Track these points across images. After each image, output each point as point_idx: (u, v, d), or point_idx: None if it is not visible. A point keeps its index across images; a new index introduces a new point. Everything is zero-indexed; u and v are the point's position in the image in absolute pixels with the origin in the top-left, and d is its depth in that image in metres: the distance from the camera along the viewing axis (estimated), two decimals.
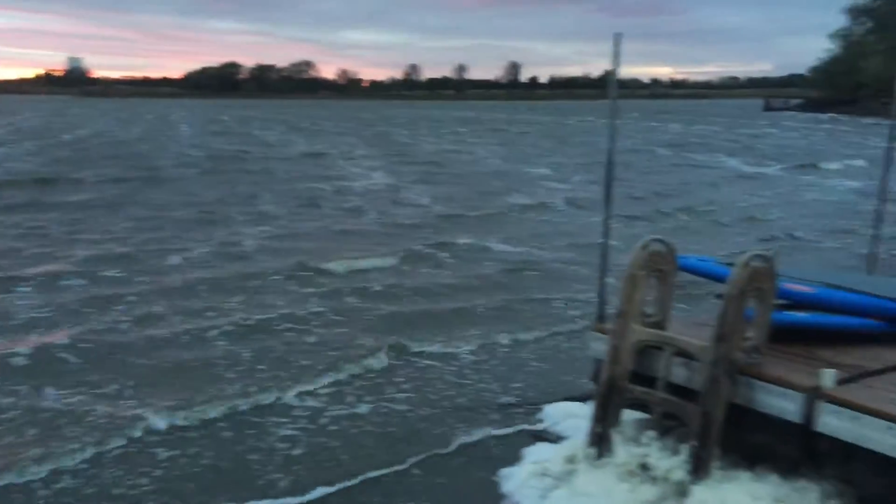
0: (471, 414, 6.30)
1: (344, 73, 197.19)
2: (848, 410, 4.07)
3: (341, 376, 7.07)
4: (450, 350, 7.82)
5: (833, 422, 4.13)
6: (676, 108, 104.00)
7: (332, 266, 11.19)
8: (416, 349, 7.79)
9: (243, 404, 6.40)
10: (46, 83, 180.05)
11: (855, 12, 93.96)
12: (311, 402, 6.52)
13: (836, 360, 4.71)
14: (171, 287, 10.11)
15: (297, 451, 5.64)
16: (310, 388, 6.79)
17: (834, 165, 28.69)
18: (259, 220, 15.51)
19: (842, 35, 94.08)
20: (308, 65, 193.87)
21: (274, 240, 13.42)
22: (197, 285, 10.20)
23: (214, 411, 6.24)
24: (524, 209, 17.29)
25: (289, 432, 5.94)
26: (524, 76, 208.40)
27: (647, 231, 12.48)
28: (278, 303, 9.44)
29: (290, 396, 6.61)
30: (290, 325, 8.51)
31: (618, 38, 5.38)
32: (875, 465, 4.02)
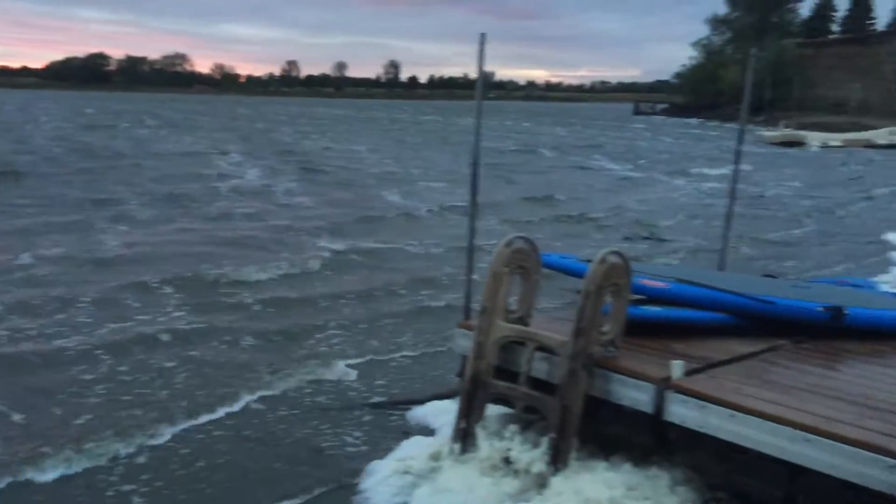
0: (338, 415, 6.22)
1: (220, 67, 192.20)
2: (694, 400, 4.27)
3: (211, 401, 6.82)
4: (322, 355, 7.67)
5: (681, 411, 4.32)
6: (552, 110, 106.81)
7: (203, 275, 10.52)
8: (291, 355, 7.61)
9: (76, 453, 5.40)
10: None
11: (715, 23, 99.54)
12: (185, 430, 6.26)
13: (686, 352, 4.95)
14: (14, 301, 9.04)
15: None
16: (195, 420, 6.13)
17: (703, 169, 30.14)
18: (124, 222, 14.76)
19: (703, 44, 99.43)
20: (182, 58, 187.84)
21: (138, 246, 12.61)
22: (45, 300, 9.17)
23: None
24: (401, 210, 17.28)
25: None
26: (404, 75, 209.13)
27: (527, 231, 12.86)
28: (139, 317, 8.68)
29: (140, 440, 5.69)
30: (146, 347, 7.66)
31: (482, 39, 5.47)
32: (719, 451, 4.24)
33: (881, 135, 52.22)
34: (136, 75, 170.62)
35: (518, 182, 23.34)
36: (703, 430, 4.24)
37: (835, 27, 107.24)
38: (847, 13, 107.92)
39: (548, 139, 46.59)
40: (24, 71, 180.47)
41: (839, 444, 3.75)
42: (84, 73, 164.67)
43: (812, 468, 3.84)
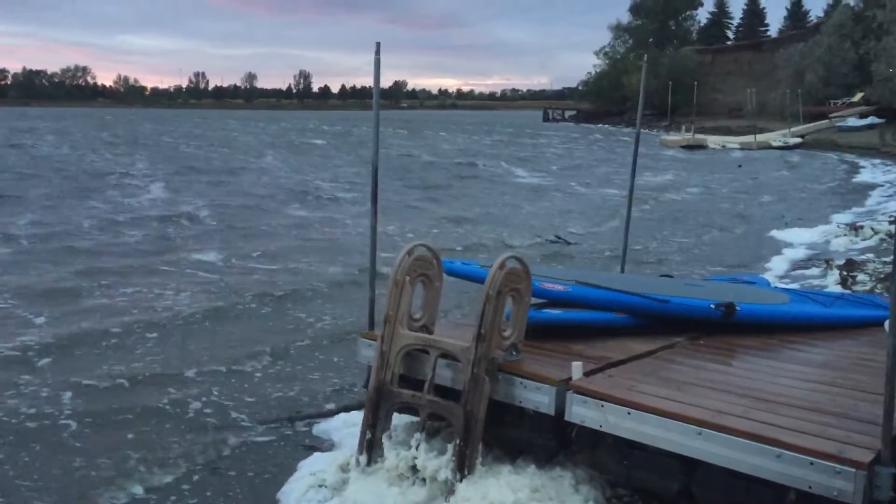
0: (243, 434, 6.08)
1: (123, 79, 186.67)
2: (593, 399, 4.36)
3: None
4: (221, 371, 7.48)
5: (581, 411, 4.40)
6: (466, 118, 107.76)
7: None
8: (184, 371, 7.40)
9: None
10: None
11: (617, 31, 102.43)
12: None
13: (585, 353, 5.05)
14: None
15: None
16: None
17: (610, 174, 30.88)
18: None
19: (606, 52, 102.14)
20: (83, 70, 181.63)
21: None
22: None
23: None
24: (306, 221, 17.10)
25: None
26: (315, 86, 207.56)
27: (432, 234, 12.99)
28: None
29: None
30: None
31: (377, 47, 5.46)
32: (618, 449, 4.33)
33: (776, 137, 54.68)
34: (35, 89, 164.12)
35: (454, 196, 23.43)
36: (602, 429, 4.33)
37: (730, 34, 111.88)
38: (741, 21, 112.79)
39: (458, 148, 46.98)
40: None
41: (729, 437, 3.88)
42: None
43: (705, 461, 3.96)
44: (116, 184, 23.74)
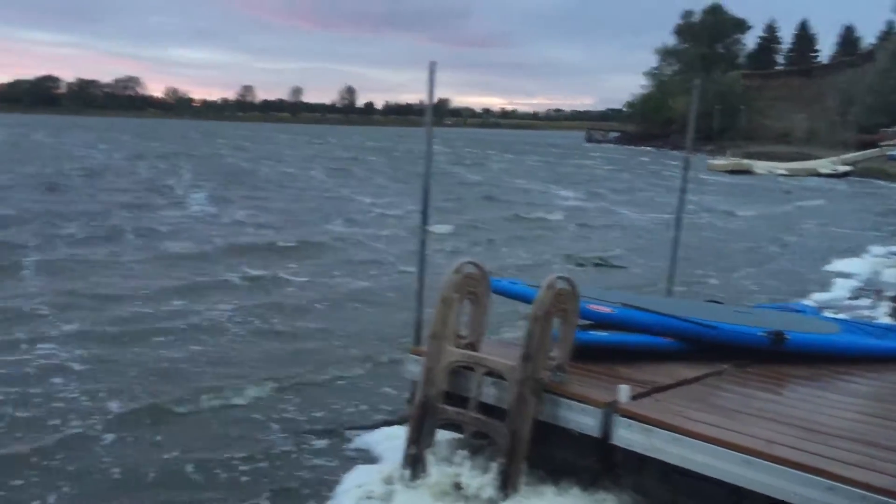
0: (287, 443, 6.16)
1: (173, 91, 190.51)
2: (639, 423, 4.34)
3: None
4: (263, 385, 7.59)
5: (627, 434, 4.39)
6: (508, 137, 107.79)
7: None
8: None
9: None
10: None
11: (664, 54, 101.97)
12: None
13: (631, 377, 5.03)
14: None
15: None
16: None
17: (655, 197, 30.63)
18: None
19: (653, 74, 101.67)
20: (134, 81, 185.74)
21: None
22: None
23: None
24: (349, 237, 17.22)
25: None
26: (360, 101, 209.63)
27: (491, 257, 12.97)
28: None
29: None
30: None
31: (432, 67, 5.54)
32: (664, 474, 4.30)
33: (824, 164, 53.82)
34: (87, 98, 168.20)
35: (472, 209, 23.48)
36: (648, 454, 4.31)
37: (780, 59, 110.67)
38: (791, 46, 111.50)
39: (522, 169, 46.99)
40: None
41: (779, 467, 3.84)
42: (33, 96, 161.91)
43: (753, 490, 3.92)
44: (165, 196, 24.20)
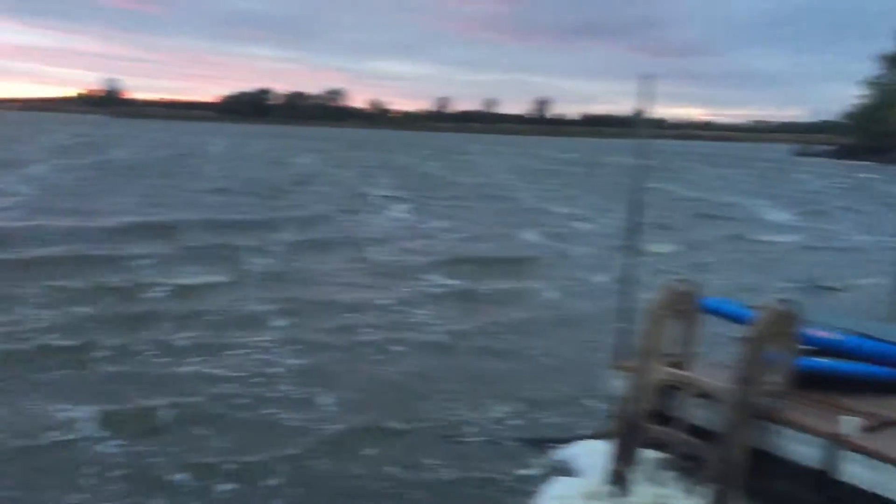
0: (490, 452, 6.30)
1: (374, 102, 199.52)
2: (869, 459, 4.05)
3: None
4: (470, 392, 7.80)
5: (854, 470, 4.11)
6: (712, 150, 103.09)
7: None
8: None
9: None
10: (83, 103, 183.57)
11: (887, 60, 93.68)
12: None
13: (857, 408, 4.70)
14: None
15: None
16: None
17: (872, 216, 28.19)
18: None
19: (874, 83, 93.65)
20: (339, 93, 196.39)
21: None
22: None
23: None
24: (551, 250, 17.13)
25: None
26: (553, 112, 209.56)
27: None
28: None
29: None
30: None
31: (648, 80, 5.47)
32: None
33: None
34: (296, 109, 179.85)
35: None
36: (877, 492, 4.01)
37: None
38: None
39: (746, 187, 45.14)
40: (197, 104, 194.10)
41: None
42: (247, 107, 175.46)
43: None
44: (369, 204, 25.37)
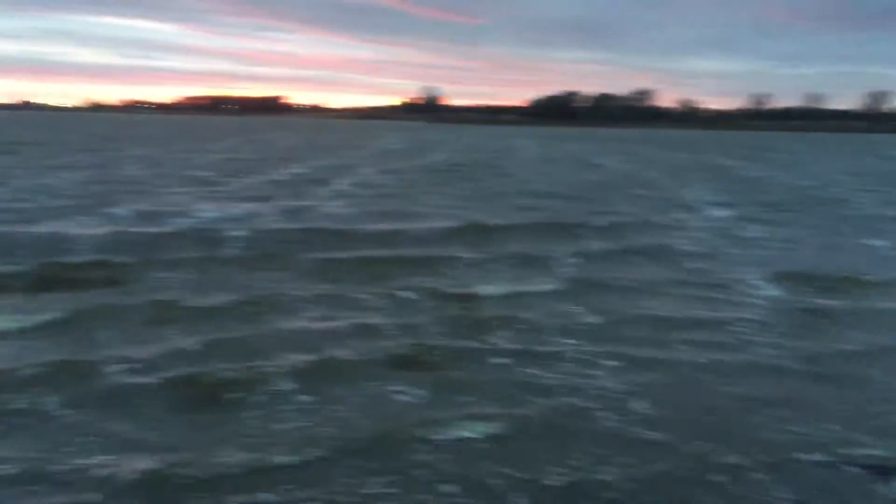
0: (826, 473, 5.41)
1: (684, 101, 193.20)
2: None
3: None
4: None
5: None
6: None
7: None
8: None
9: None
10: (407, 110, 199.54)
11: None
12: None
13: None
14: None
15: None
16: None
17: None
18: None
19: None
20: (647, 93, 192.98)
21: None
22: None
23: None
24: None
25: None
26: (890, 107, 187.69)
27: None
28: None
29: None
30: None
31: None
32: None
33: None
34: (602, 111, 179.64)
35: None
36: None
37: None
38: None
39: None
40: (507, 109, 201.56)
41: None
42: (552, 110, 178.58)
43: None
44: (681, 209, 24.17)
